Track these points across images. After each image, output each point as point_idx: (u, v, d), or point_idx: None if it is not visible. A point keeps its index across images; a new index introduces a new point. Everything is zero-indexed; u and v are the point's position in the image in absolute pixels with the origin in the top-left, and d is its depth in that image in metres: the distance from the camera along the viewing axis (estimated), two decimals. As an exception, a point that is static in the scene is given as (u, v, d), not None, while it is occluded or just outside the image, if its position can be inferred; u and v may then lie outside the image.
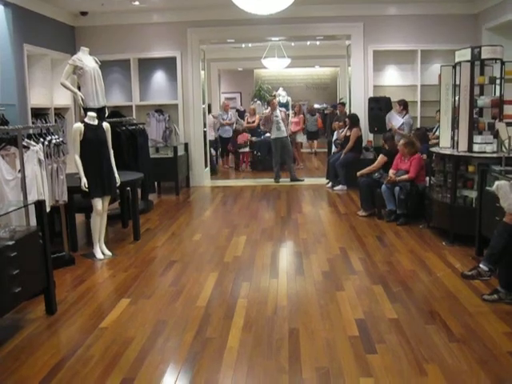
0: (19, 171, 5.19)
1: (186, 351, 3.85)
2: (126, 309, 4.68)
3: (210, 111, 14.01)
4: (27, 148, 5.33)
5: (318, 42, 14.73)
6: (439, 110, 7.18)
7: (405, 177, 7.53)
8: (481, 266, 5.04)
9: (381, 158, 8.33)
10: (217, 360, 3.69)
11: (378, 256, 6.08)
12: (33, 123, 8.49)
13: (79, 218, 7.43)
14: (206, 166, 11.79)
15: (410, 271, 5.51)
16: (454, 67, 6.67)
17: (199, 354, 3.80)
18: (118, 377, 3.49)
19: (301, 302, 4.76)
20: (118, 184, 6.37)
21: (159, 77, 11.34)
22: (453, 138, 6.73)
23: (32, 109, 8.89)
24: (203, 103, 11.55)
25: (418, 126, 10.32)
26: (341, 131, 11.13)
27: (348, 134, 10.58)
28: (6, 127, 5.54)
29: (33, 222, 4.85)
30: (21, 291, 4.10)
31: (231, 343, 3.94)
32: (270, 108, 11.96)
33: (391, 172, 7.77)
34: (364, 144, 10.65)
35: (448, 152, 6.66)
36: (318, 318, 4.37)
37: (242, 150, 14.43)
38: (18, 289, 4.05)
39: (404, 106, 10.04)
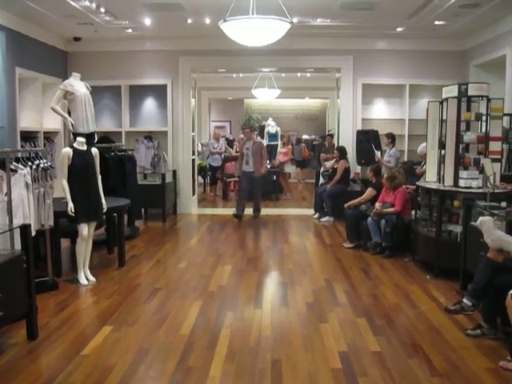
0: (6, 194, 5.17)
1: (167, 380, 3.82)
2: (109, 336, 4.64)
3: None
4: (15, 171, 5.32)
5: (308, 74, 14.87)
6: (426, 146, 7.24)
7: (391, 210, 7.57)
8: (464, 300, 5.05)
9: (370, 191, 8.36)
10: (198, 390, 3.66)
11: (363, 288, 6.08)
12: (22, 146, 8.49)
13: (64, 242, 7.38)
14: (193, 194, 11.80)
15: (394, 304, 5.52)
16: (442, 103, 6.79)
17: (181, 383, 3.77)
18: (97, 405, 3.46)
19: (284, 333, 4.74)
20: (104, 210, 6.37)
21: (149, 104, 11.39)
22: (439, 173, 6.81)
23: (21, 132, 8.87)
24: (193, 131, 11.59)
25: (405, 159, 10.42)
26: (328, 163, 11.21)
27: (336, 165, 10.64)
28: (-6, 150, 5.52)
29: (17, 245, 4.80)
30: (3, 315, 4.05)
31: (213, 372, 3.92)
32: (244, 136, 11.40)
33: (377, 205, 7.81)
34: (351, 176, 10.73)
35: (434, 186, 6.72)
36: (301, 350, 4.36)
37: (229, 180, 14.44)
38: (-1, 313, 4.01)
39: (392, 139, 10.13)
